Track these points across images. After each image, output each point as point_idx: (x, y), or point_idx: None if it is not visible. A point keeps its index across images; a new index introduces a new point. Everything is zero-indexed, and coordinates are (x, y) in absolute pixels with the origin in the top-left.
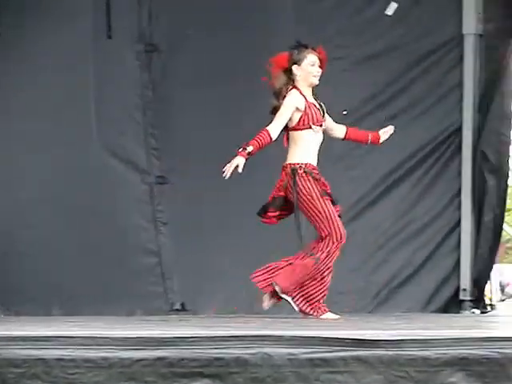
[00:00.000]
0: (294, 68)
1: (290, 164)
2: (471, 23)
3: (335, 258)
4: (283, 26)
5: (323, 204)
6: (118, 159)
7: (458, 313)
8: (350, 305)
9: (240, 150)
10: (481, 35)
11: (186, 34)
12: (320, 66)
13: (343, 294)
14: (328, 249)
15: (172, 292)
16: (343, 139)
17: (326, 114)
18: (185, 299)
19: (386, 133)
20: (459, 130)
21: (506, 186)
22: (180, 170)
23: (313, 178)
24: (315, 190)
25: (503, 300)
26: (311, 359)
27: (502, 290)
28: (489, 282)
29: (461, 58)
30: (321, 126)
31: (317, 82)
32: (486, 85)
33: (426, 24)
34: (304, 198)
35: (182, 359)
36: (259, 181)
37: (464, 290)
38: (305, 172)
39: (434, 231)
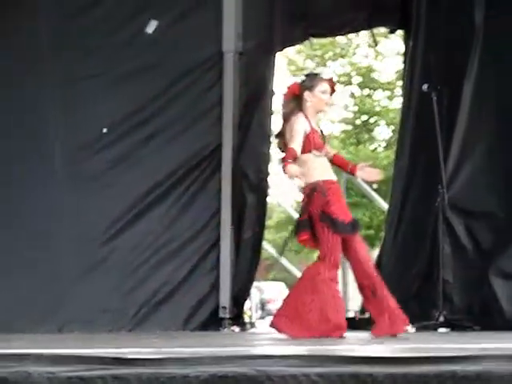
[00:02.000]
0: (306, 94)
1: (308, 185)
2: (231, 41)
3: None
4: (43, 43)
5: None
6: None
7: (218, 330)
8: (110, 323)
9: (286, 162)
10: (241, 53)
11: None
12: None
13: (103, 313)
14: (324, 273)
15: None
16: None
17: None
18: None
19: (365, 172)
20: (219, 147)
21: (265, 203)
22: None
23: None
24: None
25: (263, 318)
26: (70, 378)
27: (263, 308)
28: (248, 299)
29: (220, 76)
30: (321, 151)
31: (327, 110)
32: (246, 102)
33: (186, 42)
34: (315, 216)
35: None
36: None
37: (223, 307)
38: (321, 193)
39: (194, 249)
